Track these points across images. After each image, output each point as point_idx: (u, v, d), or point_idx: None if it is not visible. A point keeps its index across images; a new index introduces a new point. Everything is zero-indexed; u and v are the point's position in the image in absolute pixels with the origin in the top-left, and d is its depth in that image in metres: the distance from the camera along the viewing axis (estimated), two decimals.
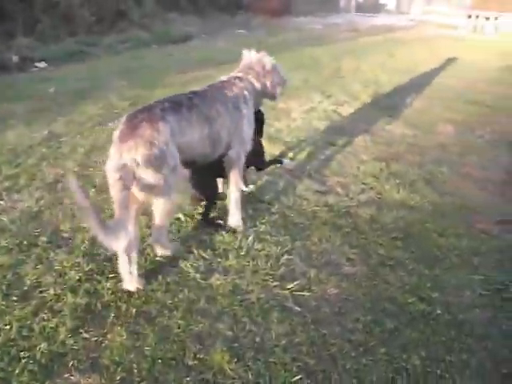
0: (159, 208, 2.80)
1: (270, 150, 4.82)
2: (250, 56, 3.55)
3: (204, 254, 3.11)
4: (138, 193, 2.65)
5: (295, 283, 2.88)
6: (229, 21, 15.71)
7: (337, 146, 5.08)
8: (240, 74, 3.42)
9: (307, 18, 18.82)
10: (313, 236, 3.37)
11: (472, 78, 9.09)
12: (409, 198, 3.99)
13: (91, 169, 4.76)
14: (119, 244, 2.48)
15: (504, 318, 2.79)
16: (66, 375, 2.27)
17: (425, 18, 20.48)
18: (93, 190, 4.11)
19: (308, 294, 2.82)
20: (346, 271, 3.05)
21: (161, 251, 3.07)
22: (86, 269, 2.96)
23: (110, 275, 2.89)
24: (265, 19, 16.93)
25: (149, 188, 2.64)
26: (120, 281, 2.85)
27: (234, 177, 3.35)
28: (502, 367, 2.45)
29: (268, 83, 3.48)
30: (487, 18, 17.54)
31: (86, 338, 2.47)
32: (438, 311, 2.77)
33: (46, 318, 2.57)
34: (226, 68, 8.65)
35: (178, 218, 3.49)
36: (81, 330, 2.51)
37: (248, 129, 3.31)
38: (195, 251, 3.14)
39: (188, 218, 3.48)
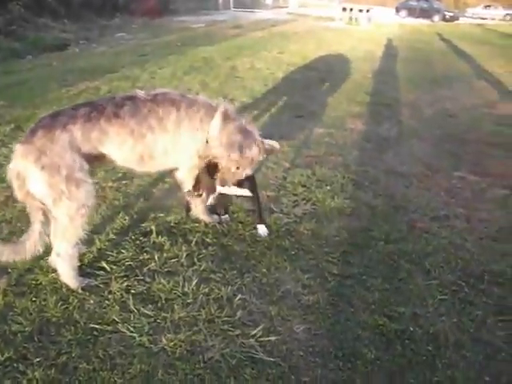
0: (56, 221, 2.71)
1: None
2: None
3: (145, 310, 2.70)
4: (34, 200, 2.67)
5: (258, 328, 2.59)
6: (107, 25, 14.87)
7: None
8: None
9: (188, 16, 18.48)
10: (260, 265, 3.12)
11: (361, 68, 9.45)
12: (345, 206, 3.91)
13: None
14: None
15: (468, 321, 2.78)
16: None
17: (302, 11, 21.18)
18: None
19: (275, 337, 2.55)
20: (307, 301, 2.83)
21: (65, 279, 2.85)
22: (2, 358, 2.37)
23: (37, 360, 2.37)
24: (144, 21, 16.33)
25: (41, 196, 2.63)
26: (51, 365, 2.35)
27: None
28: (483, 375, 2.42)
29: None
30: (360, 10, 18.67)
31: None
32: (411, 328, 2.68)
33: None
34: (114, 77, 8.19)
35: (103, 268, 3.03)
36: None
37: None
38: (133, 308, 2.71)
39: (114, 267, 3.03)
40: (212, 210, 3.56)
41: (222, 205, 3.59)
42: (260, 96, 7.13)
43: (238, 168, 3.07)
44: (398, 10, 33.27)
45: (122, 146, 2.84)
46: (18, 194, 2.69)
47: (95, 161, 2.86)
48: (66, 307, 2.71)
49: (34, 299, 2.77)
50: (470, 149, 5.49)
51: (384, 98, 7.42)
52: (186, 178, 3.22)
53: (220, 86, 7.68)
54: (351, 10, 18.53)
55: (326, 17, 18.75)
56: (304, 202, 3.96)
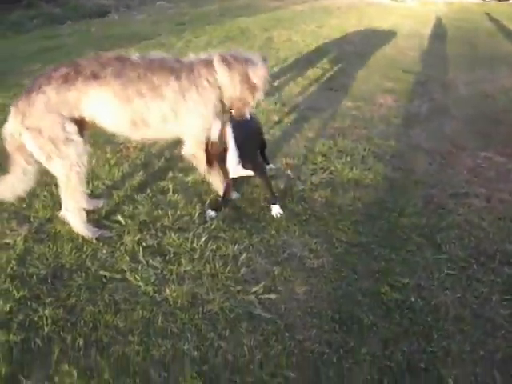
0: (58, 179, 2.86)
1: None
2: None
3: (153, 262, 2.79)
4: (23, 157, 2.77)
5: (259, 285, 2.64)
6: None
7: (281, 124, 4.85)
8: None
9: None
10: (270, 227, 3.14)
11: (402, 45, 9.16)
12: (363, 177, 3.86)
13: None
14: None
15: (473, 297, 2.75)
16: None
17: None
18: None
19: (275, 296, 2.60)
20: (311, 265, 2.85)
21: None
22: (17, 296, 2.54)
23: (48, 300, 2.50)
24: None
25: (35, 155, 2.75)
26: (60, 306, 2.47)
27: None
28: (478, 349, 2.39)
29: None
30: None
31: None
32: (412, 298, 2.67)
33: None
34: (149, 44, 8.24)
35: (118, 221, 3.12)
36: (20, 377, 2.12)
37: None
38: (142, 259, 2.80)
39: (129, 221, 3.12)
40: None
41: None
42: (293, 67, 7.03)
43: (252, 94, 3.05)
44: None
45: (105, 108, 2.75)
46: (9, 149, 2.77)
47: (83, 124, 2.81)
48: (80, 255, 2.83)
49: (51, 246, 2.91)
50: (501, 130, 5.28)
51: (419, 75, 7.18)
52: (194, 152, 3.09)
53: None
54: None
55: None
56: (322, 170, 3.93)
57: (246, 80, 2.94)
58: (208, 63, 2.92)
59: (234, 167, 3.03)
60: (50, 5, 11.63)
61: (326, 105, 5.51)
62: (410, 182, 3.90)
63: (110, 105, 2.72)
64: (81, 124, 2.79)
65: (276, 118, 5.00)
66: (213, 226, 3.10)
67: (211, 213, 3.20)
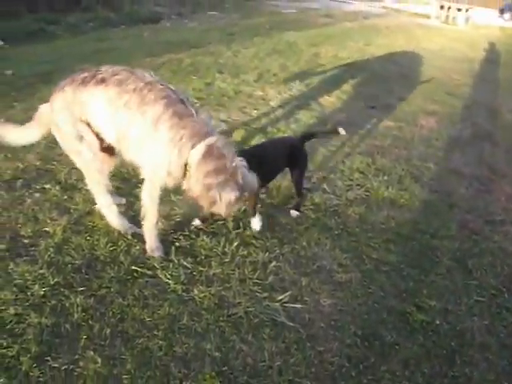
0: None
1: (250, 141, 4.60)
2: None
3: (184, 262, 2.85)
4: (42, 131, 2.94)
5: (286, 294, 2.67)
6: (200, 2, 15.16)
7: (319, 139, 4.86)
8: None
9: (281, 1, 18.42)
10: (301, 239, 3.16)
11: (449, 68, 9.04)
12: (398, 196, 3.83)
13: (55, 163, 4.38)
14: None
15: (501, 326, 2.71)
16: None
17: (398, 6, 20.46)
18: (57, 187, 3.76)
19: (300, 306, 2.61)
20: (339, 279, 2.86)
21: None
22: (52, 282, 2.64)
23: (80, 288, 2.60)
24: (238, 1, 16.50)
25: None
26: (91, 295, 2.57)
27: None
28: (502, 380, 2.34)
29: None
30: (459, 10, 17.67)
31: (54, 367, 2.17)
32: (437, 321, 2.64)
33: (5, 344, 2.25)
34: (198, 52, 8.44)
35: None
36: (47, 358, 2.21)
37: None
38: (174, 259, 2.87)
39: (164, 221, 3.20)
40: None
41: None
42: (337, 83, 7.04)
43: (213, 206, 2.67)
44: (501, 11, 30.93)
45: (100, 113, 2.72)
46: (36, 118, 2.91)
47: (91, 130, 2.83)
48: (114, 249, 2.93)
49: (87, 238, 3.02)
50: None
51: (464, 99, 7.08)
52: (144, 196, 2.85)
53: (299, 70, 7.67)
54: (449, 8, 17.60)
55: (421, 14, 17.93)
56: (358, 187, 3.93)
57: (211, 190, 2.59)
58: (199, 133, 2.61)
59: None
60: (105, 9, 12.05)
61: (366, 122, 5.50)
62: (445, 206, 3.86)
63: (104, 110, 2.70)
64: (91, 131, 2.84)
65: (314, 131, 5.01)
66: (246, 233, 3.14)
67: (197, 221, 3.17)
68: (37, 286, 2.61)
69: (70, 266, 2.75)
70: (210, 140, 2.60)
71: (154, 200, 2.83)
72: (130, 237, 3.02)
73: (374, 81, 7.41)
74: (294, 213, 3.40)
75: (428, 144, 5.09)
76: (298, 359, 2.29)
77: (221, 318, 2.48)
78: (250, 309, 2.55)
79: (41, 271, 2.72)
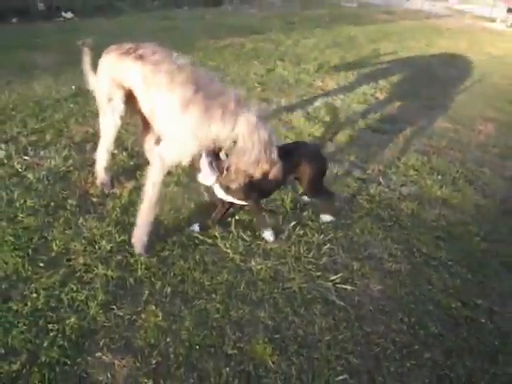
0: None
1: (309, 129, 4.67)
2: None
3: (243, 235, 2.98)
4: None
5: (338, 275, 2.76)
6: None
7: (376, 133, 4.89)
8: None
9: None
10: (355, 226, 3.23)
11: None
12: (451, 197, 3.83)
13: (123, 131, 4.58)
14: None
15: None
16: (98, 354, 2.17)
17: (462, 8, 19.80)
18: (124, 153, 3.97)
19: (351, 288, 2.70)
20: (389, 267, 2.92)
21: None
22: (118, 239, 2.84)
23: None
24: None
25: None
26: (154, 255, 2.73)
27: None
28: None
29: None
30: None
31: (118, 316, 2.36)
32: (482, 320, 2.66)
33: (75, 288, 2.46)
34: (259, 38, 8.52)
35: None
36: (113, 306, 2.41)
37: None
38: (234, 231, 3.00)
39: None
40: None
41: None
42: (395, 82, 6.98)
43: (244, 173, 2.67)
44: None
45: (137, 88, 2.86)
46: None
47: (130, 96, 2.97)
48: (178, 216, 3.08)
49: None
50: None
51: None
52: (149, 179, 2.80)
53: (358, 64, 7.63)
54: None
55: (487, 17, 17.27)
56: (412, 183, 3.95)
57: (257, 162, 2.60)
58: (240, 106, 2.59)
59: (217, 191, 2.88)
60: None
61: (423, 122, 5.45)
62: (497, 211, 3.82)
63: (139, 86, 2.84)
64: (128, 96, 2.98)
65: (374, 126, 5.03)
66: (303, 214, 3.24)
67: (196, 227, 3.03)
68: (104, 241, 2.80)
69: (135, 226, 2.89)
70: (253, 112, 2.61)
71: (156, 185, 2.76)
72: (192, 205, 3.17)
73: (433, 82, 7.28)
74: (325, 217, 3.25)
75: (484, 149, 5.02)
76: (346, 337, 2.39)
77: (275, 290, 2.60)
78: (303, 285, 2.66)
79: (108, 228, 2.92)
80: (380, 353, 2.34)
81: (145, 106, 2.89)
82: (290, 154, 2.95)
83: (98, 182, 3.38)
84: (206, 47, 7.74)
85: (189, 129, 2.61)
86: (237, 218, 3.14)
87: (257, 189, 2.83)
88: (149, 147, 3.44)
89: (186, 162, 2.76)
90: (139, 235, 2.77)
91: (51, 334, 2.21)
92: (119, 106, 3.01)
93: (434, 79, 7.47)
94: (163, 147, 2.77)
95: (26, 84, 5.64)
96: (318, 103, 5.48)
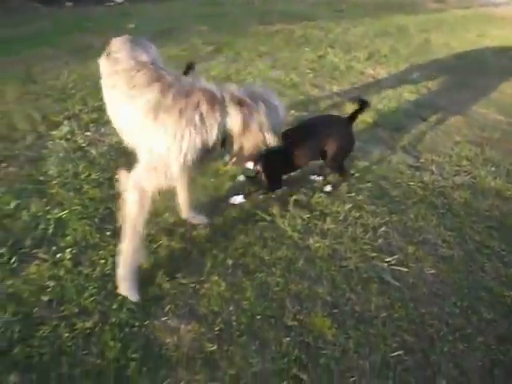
0: None
1: (362, 116, 4.67)
2: None
3: (301, 214, 3.07)
4: None
5: (393, 257, 2.82)
6: None
7: (429, 122, 4.85)
8: None
9: None
10: (409, 211, 3.26)
11: None
12: (504, 188, 3.79)
13: None
14: None
15: None
16: (164, 318, 2.31)
17: None
18: None
19: (406, 270, 2.75)
20: (443, 253, 2.95)
21: None
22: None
23: (205, 221, 2.92)
24: None
25: None
26: (216, 230, 2.86)
27: None
28: None
29: None
30: None
31: (182, 284, 2.49)
32: None
33: None
34: (309, 25, 8.48)
35: None
36: (177, 275, 2.54)
37: None
38: (292, 210, 3.10)
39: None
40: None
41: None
42: (448, 71, 6.84)
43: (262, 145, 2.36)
44: None
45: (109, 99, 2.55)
46: None
47: None
48: (237, 193, 3.18)
49: (212, 180, 3.35)
50: None
51: None
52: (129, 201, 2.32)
53: (409, 54, 7.51)
54: None
55: None
56: (465, 173, 3.92)
57: (261, 129, 2.27)
58: (214, 99, 2.18)
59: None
60: None
61: (475, 114, 5.36)
62: None
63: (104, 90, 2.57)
64: None
65: (423, 116, 4.99)
66: (358, 198, 3.30)
67: (238, 198, 3.10)
68: (167, 214, 2.93)
69: (195, 202, 2.99)
70: (230, 93, 2.22)
71: (138, 224, 2.31)
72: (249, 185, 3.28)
73: (485, 73, 7.11)
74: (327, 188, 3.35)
75: None
76: (401, 315, 2.45)
77: (333, 268, 2.68)
78: (359, 264, 2.73)
79: (170, 203, 3.02)
80: (434, 333, 2.39)
81: (111, 114, 2.56)
82: (319, 127, 3.08)
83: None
84: (256, 33, 7.80)
85: (165, 142, 2.17)
86: (295, 198, 3.22)
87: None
88: (121, 176, 2.50)
89: (174, 184, 2.44)
90: (123, 277, 2.38)
91: (119, 298, 2.36)
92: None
93: (486, 70, 7.28)
94: (139, 173, 2.29)
95: (83, 65, 5.85)
96: (368, 91, 5.46)
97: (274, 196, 3.22)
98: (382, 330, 2.35)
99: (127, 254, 2.33)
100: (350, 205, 3.20)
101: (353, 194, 3.33)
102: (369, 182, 3.51)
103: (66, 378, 2.01)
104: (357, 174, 3.59)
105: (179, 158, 2.16)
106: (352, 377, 2.13)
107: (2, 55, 6.94)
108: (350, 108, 4.78)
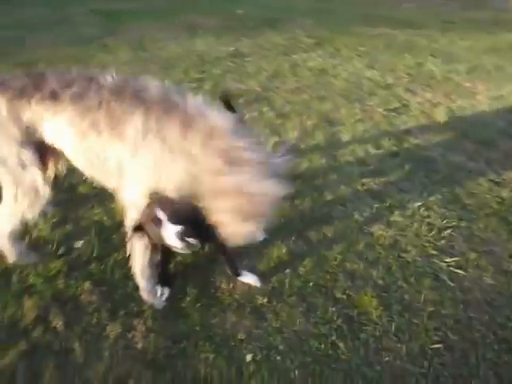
0: None
1: (450, 123, 4.59)
2: None
3: (371, 203, 3.13)
4: None
5: (453, 259, 2.79)
6: None
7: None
8: None
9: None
10: (479, 221, 3.19)
11: None
12: None
13: (272, 92, 4.92)
14: None
15: None
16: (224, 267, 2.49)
17: None
18: (272, 112, 4.28)
19: (463, 273, 2.72)
20: (506, 267, 2.86)
21: None
22: None
23: None
24: None
25: None
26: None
27: None
28: None
29: None
30: None
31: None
32: None
33: None
34: (413, 33, 8.29)
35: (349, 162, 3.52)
36: None
37: None
38: (361, 196, 3.16)
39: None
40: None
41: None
42: None
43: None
44: None
45: (62, 138, 2.08)
46: None
47: (48, 151, 2.19)
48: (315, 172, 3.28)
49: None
50: None
51: None
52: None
53: None
54: None
55: None
56: None
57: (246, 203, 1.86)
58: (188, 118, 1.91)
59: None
60: None
61: None
62: None
63: (67, 135, 2.06)
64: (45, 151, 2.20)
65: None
66: (430, 198, 3.29)
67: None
68: None
69: None
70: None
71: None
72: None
73: None
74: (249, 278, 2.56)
75: None
76: (449, 314, 2.44)
77: (391, 256, 2.73)
78: (417, 258, 2.75)
79: None
80: (479, 339, 2.35)
81: (76, 156, 2.18)
82: None
83: None
84: (359, 33, 7.79)
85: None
86: (365, 187, 3.29)
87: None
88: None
89: None
90: (144, 289, 2.33)
91: None
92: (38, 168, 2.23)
93: None
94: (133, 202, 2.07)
95: (190, 41, 6.24)
96: (462, 103, 5.30)
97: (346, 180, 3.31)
98: (427, 322, 2.37)
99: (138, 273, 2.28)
100: (420, 203, 3.20)
101: (425, 194, 3.32)
102: (444, 186, 3.46)
103: (129, 297, 2.26)
104: (434, 177, 3.56)
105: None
106: (387, 357, 2.18)
107: (116, 24, 7.53)
108: (438, 116, 4.72)
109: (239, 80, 5.24)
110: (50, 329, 2.17)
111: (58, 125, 2.02)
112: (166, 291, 2.36)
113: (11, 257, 2.45)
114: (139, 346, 2.12)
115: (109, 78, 2.02)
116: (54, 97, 1.99)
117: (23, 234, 2.54)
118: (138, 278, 2.28)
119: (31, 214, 2.21)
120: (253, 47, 6.61)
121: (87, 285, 2.37)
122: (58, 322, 2.18)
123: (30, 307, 2.25)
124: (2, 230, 2.32)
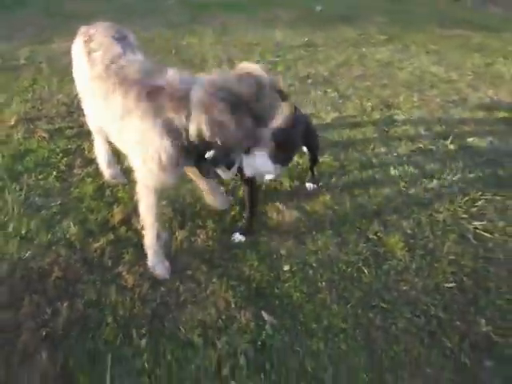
0: None
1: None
2: None
3: (412, 170, 3.47)
4: None
5: (481, 223, 3.01)
6: None
7: None
8: None
9: None
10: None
11: None
12: None
13: (338, 77, 5.31)
14: None
15: None
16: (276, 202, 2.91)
17: None
18: (335, 93, 4.68)
19: (489, 235, 2.92)
20: None
21: None
22: None
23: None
24: None
25: None
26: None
27: None
28: None
29: None
30: None
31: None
32: None
33: None
34: (489, 36, 8.23)
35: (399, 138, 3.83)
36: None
37: None
38: (405, 165, 3.50)
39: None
40: None
41: None
42: None
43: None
44: None
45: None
46: None
47: None
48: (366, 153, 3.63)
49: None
50: None
51: None
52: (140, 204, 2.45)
53: None
54: None
55: None
56: None
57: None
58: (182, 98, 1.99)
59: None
60: None
61: None
62: None
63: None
64: None
65: None
66: (469, 175, 3.51)
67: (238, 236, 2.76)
68: None
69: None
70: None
71: (150, 208, 2.39)
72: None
73: None
74: (309, 185, 3.23)
75: None
76: (467, 265, 2.67)
77: (423, 214, 3.08)
78: (448, 219, 3.03)
79: None
80: (493, 288, 2.55)
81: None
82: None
83: None
84: (431, 32, 7.91)
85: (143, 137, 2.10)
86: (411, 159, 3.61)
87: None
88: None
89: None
90: (154, 261, 2.48)
91: None
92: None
93: None
94: (140, 175, 2.30)
95: (269, 30, 6.77)
96: None
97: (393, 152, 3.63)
98: (446, 266, 2.65)
99: (150, 239, 2.47)
100: (459, 175, 3.45)
101: (466, 171, 3.53)
102: (487, 168, 3.63)
103: (196, 214, 2.75)
104: (477, 159, 3.77)
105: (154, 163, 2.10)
106: (404, 287, 2.52)
107: (203, 13, 8.22)
108: (496, 111, 4.85)
109: (309, 65, 5.68)
110: (132, 229, 2.72)
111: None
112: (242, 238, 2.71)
113: (108, 176, 3.10)
114: (199, 247, 2.62)
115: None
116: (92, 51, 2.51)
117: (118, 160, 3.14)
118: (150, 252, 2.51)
119: None
120: (326, 39, 7.01)
121: (163, 203, 2.89)
122: (137, 225, 2.72)
123: (117, 212, 2.82)
124: (103, 158, 3.07)
